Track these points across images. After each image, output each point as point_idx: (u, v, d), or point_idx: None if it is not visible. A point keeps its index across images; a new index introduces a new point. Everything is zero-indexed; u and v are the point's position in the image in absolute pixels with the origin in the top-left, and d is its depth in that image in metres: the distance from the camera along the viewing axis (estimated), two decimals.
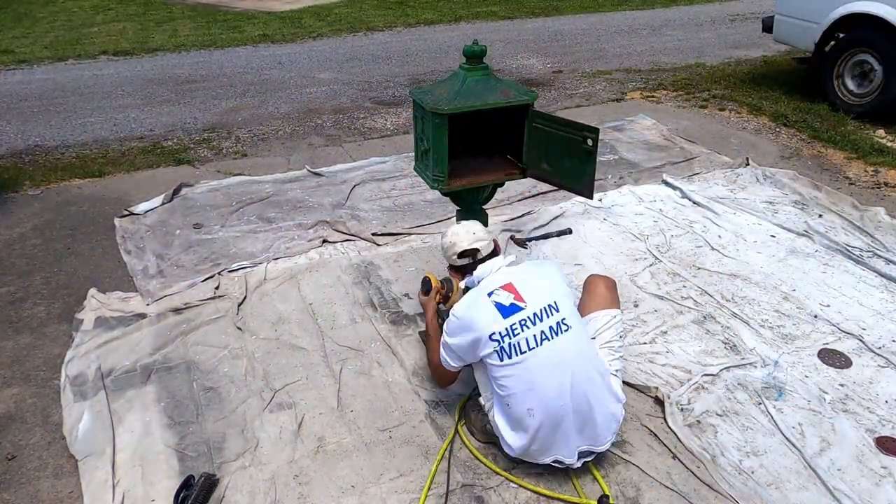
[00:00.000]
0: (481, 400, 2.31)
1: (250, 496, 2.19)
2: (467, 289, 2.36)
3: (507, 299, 2.17)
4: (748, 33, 9.00)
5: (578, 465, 2.19)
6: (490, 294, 2.19)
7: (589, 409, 2.14)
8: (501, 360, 2.13)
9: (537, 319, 2.14)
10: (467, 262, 2.37)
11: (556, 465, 2.20)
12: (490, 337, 2.13)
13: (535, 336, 2.12)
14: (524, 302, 2.16)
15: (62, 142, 5.42)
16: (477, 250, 2.35)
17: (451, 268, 2.47)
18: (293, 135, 5.52)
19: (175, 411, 2.56)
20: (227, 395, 2.64)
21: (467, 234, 2.37)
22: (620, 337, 2.39)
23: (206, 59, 8.08)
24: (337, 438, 2.42)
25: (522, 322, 2.13)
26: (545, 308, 2.17)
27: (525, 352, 2.11)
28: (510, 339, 2.12)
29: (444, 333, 2.28)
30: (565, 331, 2.16)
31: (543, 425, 2.11)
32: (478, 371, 2.29)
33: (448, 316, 2.27)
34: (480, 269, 2.33)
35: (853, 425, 2.45)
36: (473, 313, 2.18)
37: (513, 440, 2.19)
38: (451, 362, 2.28)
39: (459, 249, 2.37)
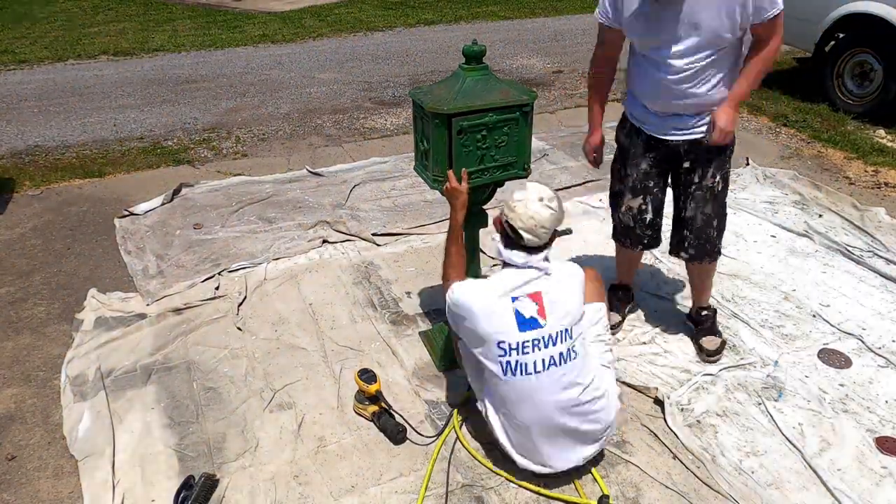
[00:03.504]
0: (478, 405, 2.28)
1: (250, 496, 2.19)
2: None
3: (529, 310, 2.05)
4: None
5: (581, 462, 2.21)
6: (514, 299, 2.06)
7: (588, 422, 2.13)
8: (505, 374, 2.07)
9: (550, 343, 2.05)
10: (510, 238, 2.14)
11: (549, 468, 2.19)
12: (498, 344, 2.05)
13: (543, 360, 2.04)
14: (545, 319, 2.05)
15: (62, 142, 5.42)
16: (521, 238, 2.09)
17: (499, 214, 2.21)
18: (293, 135, 5.52)
19: (175, 411, 2.56)
20: (227, 396, 2.64)
21: (529, 216, 2.06)
22: (607, 329, 2.36)
23: (206, 60, 8.08)
24: (337, 438, 2.42)
25: (535, 342, 2.04)
26: (561, 332, 2.06)
27: (530, 374, 2.05)
28: (518, 355, 2.04)
29: (449, 293, 2.18)
30: (573, 358, 2.09)
31: (541, 440, 2.12)
32: (475, 379, 2.25)
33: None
34: (514, 255, 2.12)
35: (853, 425, 2.45)
36: (487, 311, 2.06)
37: (509, 448, 2.19)
38: (453, 326, 2.23)
39: (510, 222, 2.10)
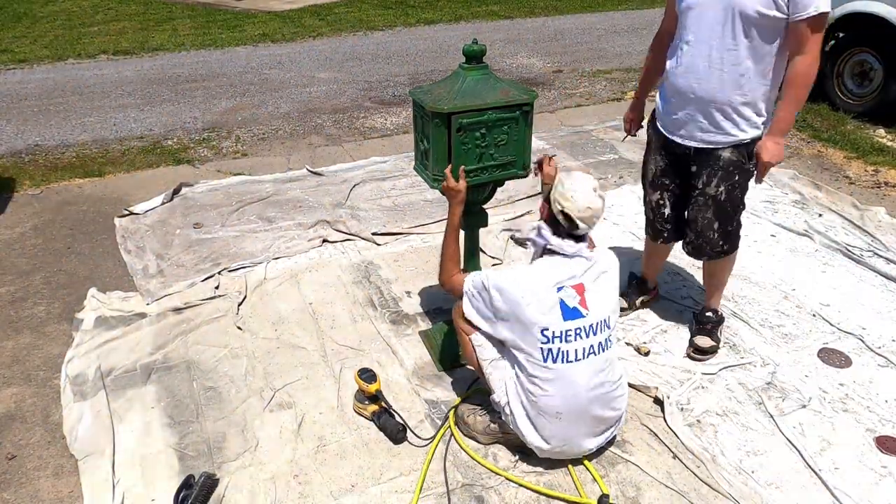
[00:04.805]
0: (494, 397, 2.28)
1: (250, 496, 2.19)
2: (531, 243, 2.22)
3: (572, 300, 2.08)
4: None
5: (594, 449, 2.27)
6: (560, 289, 2.08)
7: (610, 409, 2.20)
8: (545, 360, 2.09)
9: (591, 333, 2.09)
10: (561, 225, 2.13)
11: (566, 454, 2.23)
12: (542, 332, 2.07)
13: (584, 349, 2.09)
14: (587, 310, 2.09)
15: (62, 141, 5.42)
16: (577, 227, 2.09)
17: (545, 202, 2.19)
18: (293, 134, 5.52)
19: (175, 411, 2.56)
20: (228, 395, 2.64)
21: (587, 206, 2.07)
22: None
23: (206, 59, 8.08)
24: (337, 438, 2.42)
25: (578, 331, 2.08)
26: (600, 322, 2.11)
27: (570, 362, 2.09)
28: (560, 343, 2.07)
29: (482, 279, 2.17)
30: (608, 348, 2.15)
31: (568, 425, 2.15)
32: (495, 369, 2.25)
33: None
34: (566, 244, 2.12)
35: (853, 425, 2.45)
36: (534, 299, 2.06)
37: (532, 435, 2.19)
38: (475, 314, 2.20)
39: (566, 211, 2.08)
